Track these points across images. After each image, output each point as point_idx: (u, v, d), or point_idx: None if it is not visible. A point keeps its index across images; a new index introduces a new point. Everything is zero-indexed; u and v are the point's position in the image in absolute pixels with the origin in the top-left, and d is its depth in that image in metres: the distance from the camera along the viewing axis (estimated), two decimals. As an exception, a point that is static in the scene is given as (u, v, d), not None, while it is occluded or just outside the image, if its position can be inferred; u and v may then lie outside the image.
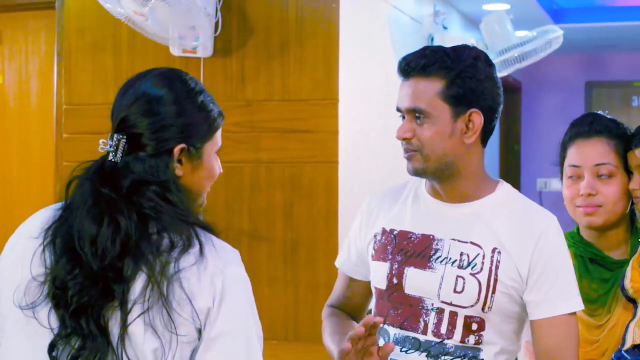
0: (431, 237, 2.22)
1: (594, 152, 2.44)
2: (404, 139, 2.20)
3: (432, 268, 2.19)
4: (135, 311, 1.74)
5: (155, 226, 1.79)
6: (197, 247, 1.79)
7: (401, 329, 2.21)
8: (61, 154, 4.27)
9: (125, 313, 1.74)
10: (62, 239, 1.80)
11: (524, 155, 8.85)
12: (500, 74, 5.46)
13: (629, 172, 2.42)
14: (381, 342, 2.23)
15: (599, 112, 2.55)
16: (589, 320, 2.38)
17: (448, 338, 2.16)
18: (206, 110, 1.93)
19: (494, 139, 7.77)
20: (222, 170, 2.01)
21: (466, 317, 2.16)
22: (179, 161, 1.88)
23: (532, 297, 2.16)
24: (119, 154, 1.84)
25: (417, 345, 2.19)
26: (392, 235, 2.28)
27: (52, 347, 1.76)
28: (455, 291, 2.16)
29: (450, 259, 2.19)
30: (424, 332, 2.18)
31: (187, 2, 3.66)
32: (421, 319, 2.19)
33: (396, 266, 2.23)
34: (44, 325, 1.78)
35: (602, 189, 2.41)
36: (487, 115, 2.21)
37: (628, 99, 8.70)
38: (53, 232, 1.82)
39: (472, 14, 6.28)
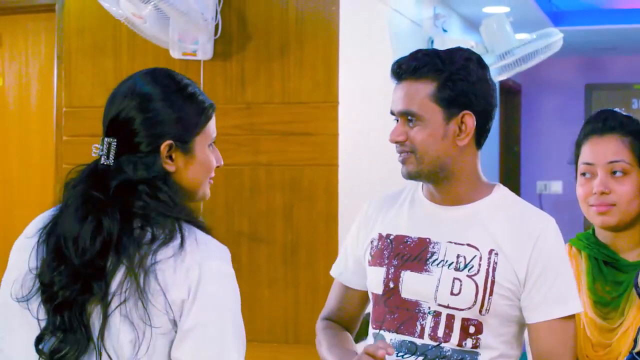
0: (427, 240, 2.21)
1: (607, 149, 2.34)
2: (396, 142, 2.20)
3: (428, 271, 2.18)
4: (114, 303, 1.80)
5: (140, 222, 1.84)
6: (177, 241, 1.82)
7: (397, 333, 2.19)
8: (61, 156, 4.28)
9: (105, 306, 1.79)
10: (52, 238, 1.87)
11: (523, 158, 8.85)
12: (500, 77, 5.48)
13: None
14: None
15: (615, 109, 2.45)
16: (601, 324, 2.31)
17: (445, 341, 2.14)
18: (194, 104, 1.96)
19: (494, 141, 7.77)
20: (222, 162, 2.03)
21: (463, 319, 2.14)
22: (170, 157, 1.91)
23: (529, 300, 2.15)
24: (111, 157, 1.90)
25: (414, 350, 2.17)
26: (388, 240, 2.27)
27: (38, 340, 1.83)
28: (452, 293, 2.14)
29: (447, 261, 2.17)
30: (421, 336, 2.16)
31: (184, 6, 3.66)
32: (418, 323, 2.17)
33: (392, 270, 2.22)
34: (34, 317, 1.85)
35: (615, 187, 2.31)
36: (481, 117, 2.20)
37: (628, 101, 8.71)
38: (46, 232, 1.89)
39: (472, 16, 6.28)
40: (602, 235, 2.39)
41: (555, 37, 5.29)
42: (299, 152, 3.95)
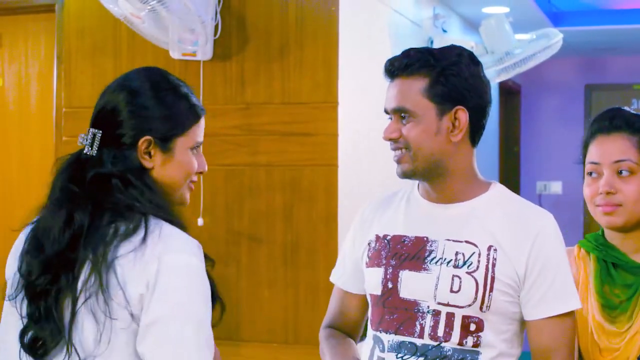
0: (425, 238, 2.21)
1: (613, 148, 2.28)
2: (390, 139, 2.21)
3: (427, 269, 2.17)
4: (82, 297, 1.82)
5: (110, 216, 1.86)
6: (140, 235, 1.83)
7: (396, 334, 2.18)
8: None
9: (73, 299, 1.82)
10: (33, 231, 1.93)
11: (523, 158, 8.85)
12: (500, 78, 5.47)
13: None
14: (376, 351, 2.22)
15: (624, 107, 2.40)
16: (609, 328, 2.27)
17: (445, 341, 2.13)
18: (180, 105, 1.99)
19: (494, 142, 7.77)
20: (205, 168, 2.05)
21: (464, 317, 2.13)
22: (148, 153, 1.94)
23: (528, 298, 2.15)
24: (94, 148, 1.93)
25: (414, 350, 2.15)
26: (385, 241, 2.26)
27: (22, 333, 1.87)
28: (451, 291, 2.14)
29: (446, 259, 2.17)
30: (421, 336, 2.15)
31: (181, 9, 3.66)
32: (417, 323, 2.16)
33: (390, 270, 2.21)
34: (19, 314, 1.89)
35: (622, 187, 2.26)
36: (474, 113, 2.20)
37: (627, 101, 8.71)
38: (32, 226, 1.95)
39: (472, 17, 6.28)
40: (611, 237, 2.35)
41: (555, 38, 5.29)
42: (298, 153, 3.95)
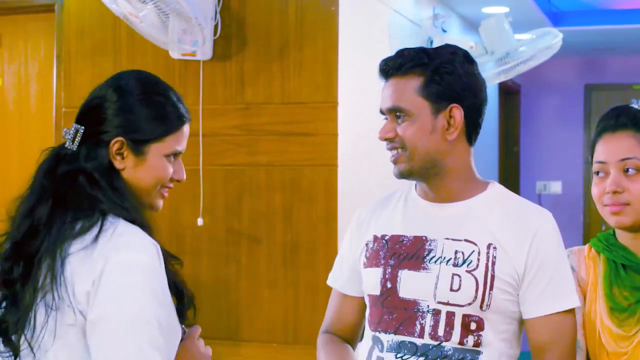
0: (424, 238, 2.21)
1: (619, 146, 2.24)
2: (385, 139, 2.21)
3: (426, 269, 2.17)
4: (41, 291, 1.85)
5: (72, 213, 1.89)
6: (93, 234, 1.86)
7: (396, 334, 2.17)
8: (60, 156, 4.27)
9: (34, 292, 1.86)
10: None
11: (523, 158, 8.86)
12: (499, 79, 5.47)
13: None
14: (375, 351, 2.22)
15: (633, 105, 2.39)
16: (617, 332, 2.24)
17: (446, 340, 2.13)
18: (158, 112, 1.99)
19: (493, 141, 7.78)
20: (183, 177, 2.06)
21: (464, 316, 2.13)
22: (120, 154, 1.96)
23: (527, 296, 2.15)
24: (76, 143, 1.97)
25: (414, 350, 2.15)
26: (383, 241, 2.26)
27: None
28: (451, 290, 2.14)
29: (445, 258, 2.17)
30: (421, 336, 2.15)
31: (178, 10, 3.66)
32: (417, 322, 2.16)
33: (389, 270, 2.21)
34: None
35: (628, 185, 2.22)
36: (470, 111, 2.20)
37: (627, 101, 8.70)
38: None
39: (472, 16, 6.28)
40: (622, 237, 2.31)
41: (555, 39, 5.29)
42: (298, 153, 3.95)
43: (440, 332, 2.14)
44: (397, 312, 2.19)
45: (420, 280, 2.17)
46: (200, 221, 3.99)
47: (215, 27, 4.00)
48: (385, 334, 2.20)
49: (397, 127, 2.19)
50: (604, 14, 7.32)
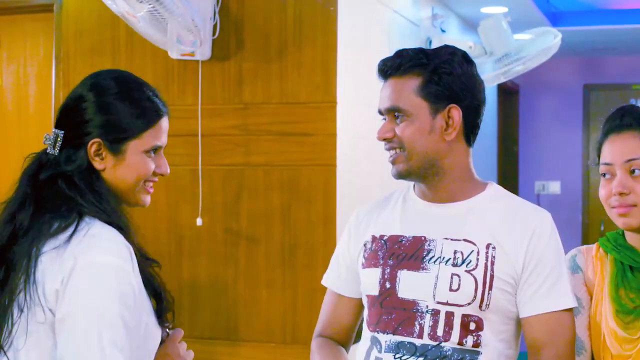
0: (423, 238, 2.21)
1: (625, 147, 2.21)
2: (384, 139, 2.21)
3: (425, 269, 2.17)
4: (15, 292, 1.87)
5: (50, 216, 1.91)
6: (67, 234, 1.88)
7: (395, 334, 2.17)
8: (59, 157, 4.27)
9: (8, 299, 1.88)
10: None
11: (522, 158, 8.86)
12: (499, 80, 5.47)
13: None
14: (374, 351, 2.22)
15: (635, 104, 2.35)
16: (622, 335, 2.21)
17: (445, 340, 2.13)
18: (136, 107, 2.00)
19: (492, 141, 7.78)
20: (166, 171, 2.08)
21: (464, 316, 2.13)
22: (99, 155, 1.97)
23: (523, 294, 2.15)
24: (57, 148, 1.98)
25: (413, 351, 2.15)
26: (382, 241, 2.26)
27: None
28: (451, 289, 2.14)
29: (444, 258, 2.17)
30: (420, 336, 2.15)
31: (175, 11, 3.66)
32: (416, 323, 2.15)
33: (388, 270, 2.21)
34: None
35: (635, 186, 2.19)
36: (468, 112, 2.20)
37: (626, 101, 8.70)
38: None
39: (470, 16, 6.28)
40: (631, 238, 2.28)
41: (554, 39, 5.28)
42: (297, 153, 3.95)
43: (440, 332, 2.14)
44: (396, 313, 2.19)
45: (419, 280, 2.17)
46: (199, 221, 3.99)
47: (214, 27, 4.00)
48: (384, 334, 2.19)
49: (396, 127, 2.19)
50: (602, 14, 7.32)
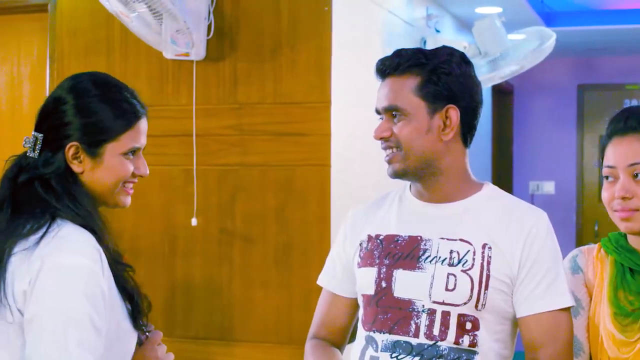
0: (419, 237, 2.21)
1: (628, 151, 2.18)
2: (381, 138, 2.21)
3: (421, 268, 2.17)
4: None
5: (25, 219, 1.92)
6: (38, 236, 1.89)
7: (391, 333, 2.17)
8: (53, 157, 4.26)
9: None
10: None
11: (516, 158, 8.87)
12: (494, 82, 5.48)
13: None
14: (369, 351, 2.22)
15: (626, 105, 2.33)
16: (619, 338, 2.20)
17: (441, 340, 2.13)
18: (113, 111, 2.01)
19: (487, 141, 7.78)
20: (146, 172, 2.07)
21: (460, 315, 2.14)
22: (77, 158, 1.98)
23: (520, 293, 2.16)
24: (36, 151, 2.00)
25: (409, 350, 2.15)
26: (378, 240, 2.26)
27: None
28: (447, 289, 2.14)
29: (440, 257, 2.17)
30: (416, 335, 2.15)
31: (168, 13, 3.66)
32: (412, 322, 2.16)
33: (384, 270, 2.21)
34: None
35: (638, 191, 2.16)
36: (465, 112, 2.21)
37: (620, 101, 8.71)
38: None
39: (465, 17, 6.29)
40: (633, 240, 2.26)
41: (548, 41, 5.29)
42: (291, 153, 3.95)
43: (436, 331, 2.14)
44: (391, 312, 2.19)
45: (415, 279, 2.17)
46: (194, 221, 3.99)
47: (209, 27, 3.99)
48: (380, 333, 2.19)
49: (393, 126, 2.19)
50: (596, 14, 7.33)
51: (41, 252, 1.87)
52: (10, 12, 4.71)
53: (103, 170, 2.00)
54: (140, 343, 2.05)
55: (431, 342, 2.14)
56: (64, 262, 1.87)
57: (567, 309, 2.18)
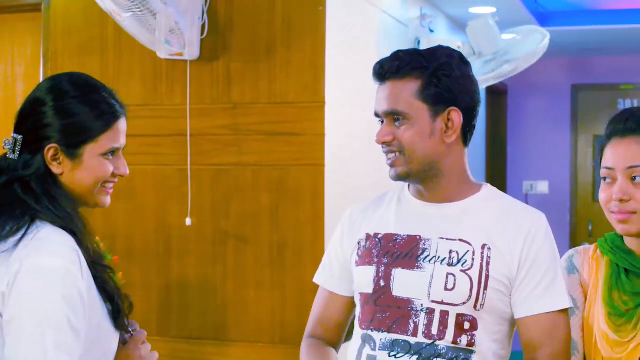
0: (418, 237, 2.21)
1: (627, 153, 2.17)
2: (383, 143, 2.20)
3: (420, 268, 2.17)
4: None
5: (4, 221, 1.91)
6: (17, 237, 1.89)
7: (389, 332, 2.17)
8: (47, 156, 4.26)
9: None
10: None
11: (510, 158, 8.88)
12: (489, 83, 5.48)
13: None
14: (366, 349, 2.22)
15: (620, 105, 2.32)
16: (613, 338, 2.20)
17: (440, 339, 2.13)
18: (92, 112, 2.00)
19: (481, 141, 7.79)
20: (126, 172, 2.07)
21: (458, 315, 2.14)
22: (56, 160, 1.98)
23: (518, 294, 2.16)
24: (16, 152, 2.00)
25: (408, 349, 2.15)
26: (376, 239, 2.26)
27: None
28: (446, 289, 2.14)
29: (439, 257, 2.17)
30: (414, 334, 2.15)
31: (161, 15, 3.65)
32: (411, 321, 2.16)
33: (383, 269, 2.21)
34: None
35: (635, 193, 2.15)
36: (466, 113, 2.20)
37: (614, 101, 8.74)
38: None
39: (459, 17, 6.29)
40: (630, 241, 2.25)
41: (542, 42, 5.29)
42: (285, 153, 3.95)
43: (434, 330, 2.14)
44: (390, 311, 2.19)
45: (414, 278, 2.17)
46: (188, 221, 3.99)
47: (203, 26, 3.99)
48: (378, 332, 2.19)
49: (395, 130, 2.18)
50: (590, 14, 7.34)
51: (20, 254, 1.86)
52: (4, 12, 4.70)
53: (82, 171, 2.00)
54: (124, 342, 2.05)
55: (429, 342, 2.14)
56: (42, 263, 1.86)
57: (566, 310, 2.18)
